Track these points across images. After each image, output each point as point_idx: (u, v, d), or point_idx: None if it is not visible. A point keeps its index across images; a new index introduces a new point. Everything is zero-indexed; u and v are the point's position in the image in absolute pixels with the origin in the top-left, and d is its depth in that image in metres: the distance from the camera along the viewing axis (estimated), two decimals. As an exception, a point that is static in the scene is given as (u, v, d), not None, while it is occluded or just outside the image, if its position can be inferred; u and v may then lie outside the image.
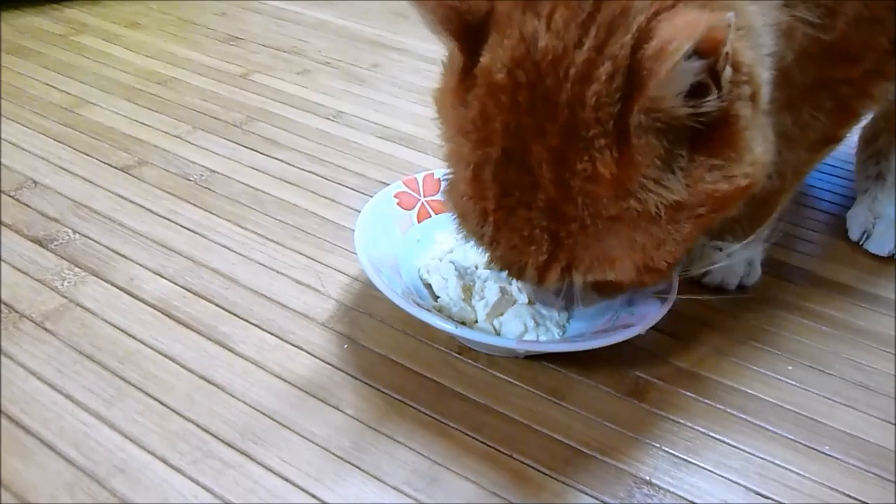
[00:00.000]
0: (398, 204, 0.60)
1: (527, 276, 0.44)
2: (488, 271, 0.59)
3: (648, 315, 0.51)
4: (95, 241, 0.62)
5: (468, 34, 0.41)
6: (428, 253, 0.60)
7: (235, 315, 0.56)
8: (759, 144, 0.42)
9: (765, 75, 0.43)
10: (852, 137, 0.76)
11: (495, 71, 0.40)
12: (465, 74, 0.42)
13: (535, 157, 0.40)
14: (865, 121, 0.75)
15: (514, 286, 0.56)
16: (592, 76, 0.38)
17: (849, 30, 0.50)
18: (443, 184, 0.47)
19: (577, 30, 0.38)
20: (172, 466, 0.44)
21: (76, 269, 0.59)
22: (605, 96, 0.38)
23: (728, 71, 0.39)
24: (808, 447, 0.49)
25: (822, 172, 0.85)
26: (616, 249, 0.42)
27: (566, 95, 0.39)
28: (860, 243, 0.72)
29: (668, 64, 0.35)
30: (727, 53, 0.37)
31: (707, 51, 0.36)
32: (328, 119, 0.87)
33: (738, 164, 0.41)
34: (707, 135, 0.40)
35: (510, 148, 0.41)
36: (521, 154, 0.40)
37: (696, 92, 0.38)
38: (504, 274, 0.46)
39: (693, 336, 0.58)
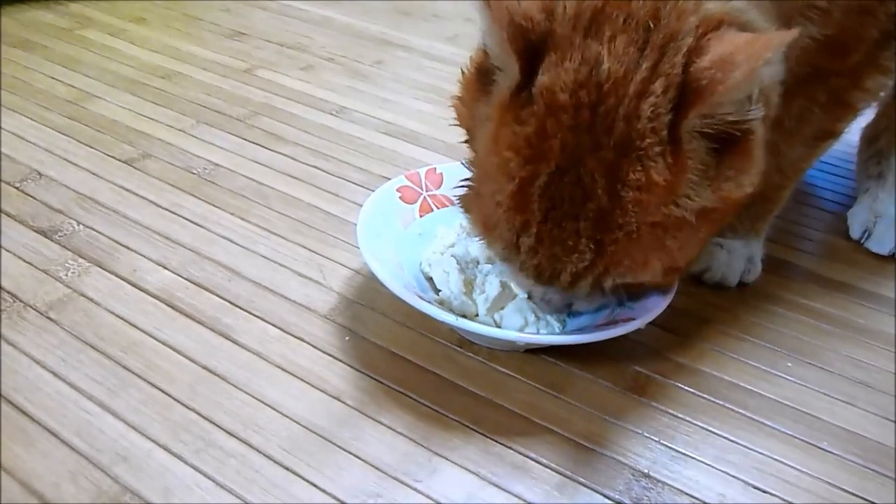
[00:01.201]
0: (400, 198, 0.61)
1: (559, 282, 0.46)
2: (489, 265, 0.59)
3: (649, 310, 0.51)
4: (99, 232, 0.63)
5: (528, 53, 0.43)
6: (429, 247, 0.60)
7: (238, 307, 0.56)
8: (764, 160, 0.47)
9: (775, 100, 0.47)
10: (853, 136, 0.76)
11: (558, 91, 0.42)
12: (519, 91, 0.44)
13: (589, 170, 0.42)
14: (867, 120, 0.75)
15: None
16: (648, 91, 0.41)
17: (840, 21, 0.51)
18: (461, 190, 0.49)
19: (636, 53, 0.41)
20: (175, 455, 0.44)
21: (80, 260, 0.59)
22: (661, 107, 0.41)
23: (756, 90, 0.42)
24: (807, 443, 0.50)
25: (824, 171, 0.85)
26: (649, 253, 0.45)
27: (624, 111, 0.41)
28: (861, 242, 0.72)
29: (739, 72, 0.39)
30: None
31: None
32: (332, 115, 0.88)
33: (748, 175, 0.45)
34: (727, 148, 0.44)
35: (564, 165, 0.43)
36: (574, 169, 0.42)
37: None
38: (524, 280, 0.48)
39: (693, 332, 0.58)
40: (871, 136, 0.78)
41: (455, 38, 1.16)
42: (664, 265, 0.46)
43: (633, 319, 0.51)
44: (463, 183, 0.50)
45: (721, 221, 0.47)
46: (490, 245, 0.49)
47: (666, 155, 0.41)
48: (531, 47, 0.43)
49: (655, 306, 0.52)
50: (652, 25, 0.41)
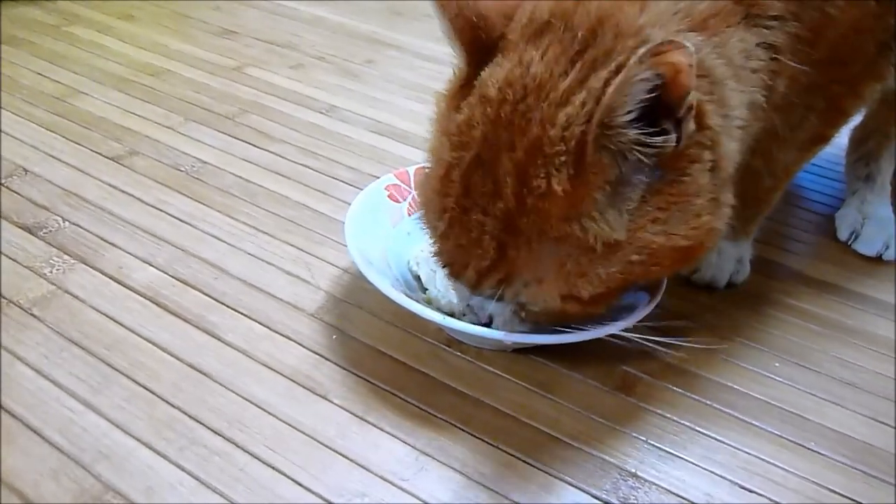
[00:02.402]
0: (389, 197, 0.60)
1: (465, 278, 0.47)
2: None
3: (637, 309, 0.51)
4: (85, 229, 0.62)
5: (478, 49, 0.45)
6: (417, 245, 0.59)
7: (224, 304, 0.55)
8: (708, 212, 0.45)
9: (731, 147, 0.46)
10: (842, 139, 0.77)
11: (490, 85, 0.44)
12: (465, 83, 0.46)
13: (503, 168, 0.43)
14: (855, 122, 0.76)
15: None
16: (568, 101, 0.42)
17: (836, 43, 0.51)
18: (419, 174, 0.51)
19: (566, 63, 0.42)
20: (158, 453, 0.43)
21: (65, 257, 0.58)
22: (575, 119, 0.41)
23: (691, 126, 0.42)
24: (795, 443, 0.50)
25: (812, 173, 0.86)
26: (547, 270, 0.44)
27: (540, 114, 0.42)
28: (849, 243, 0.73)
29: (621, 78, 0.39)
30: (691, 105, 0.40)
31: (670, 86, 0.39)
32: (321, 113, 0.87)
33: (679, 224, 0.44)
34: (659, 188, 0.43)
35: (482, 155, 0.44)
36: (491, 163, 0.43)
37: (655, 129, 0.41)
38: (444, 271, 0.48)
39: (682, 332, 0.58)
40: (859, 139, 0.78)
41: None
42: (561, 290, 0.45)
43: (621, 319, 0.50)
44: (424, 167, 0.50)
45: (641, 270, 0.44)
46: (423, 226, 0.49)
47: (569, 165, 0.41)
48: (481, 44, 0.45)
49: (643, 305, 0.51)
50: (590, 42, 0.42)
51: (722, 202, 0.46)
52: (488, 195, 0.43)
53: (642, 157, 0.41)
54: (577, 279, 0.44)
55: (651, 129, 0.41)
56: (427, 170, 0.48)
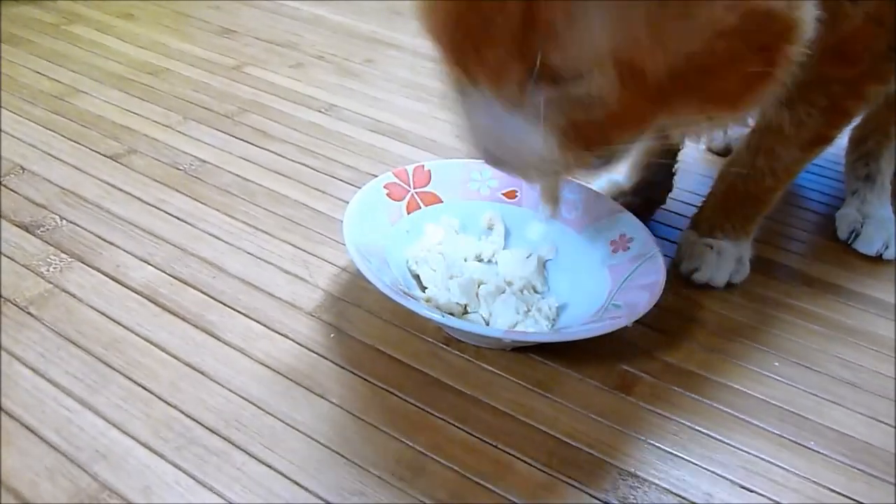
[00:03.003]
0: (388, 195, 0.60)
1: (486, 62, 0.37)
2: (477, 264, 0.59)
3: (636, 307, 0.51)
4: (83, 227, 0.62)
5: None
6: (417, 244, 0.59)
7: (222, 303, 0.55)
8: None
9: None
10: (842, 139, 0.76)
11: None
12: None
13: None
14: (855, 122, 0.76)
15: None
16: None
17: (849, 33, 0.50)
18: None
19: None
20: (155, 452, 0.43)
21: (62, 255, 0.58)
22: None
23: None
24: (795, 442, 0.49)
25: (812, 173, 0.85)
26: (600, 29, 0.34)
27: None
28: (848, 243, 0.72)
29: None
30: None
31: None
32: (321, 112, 0.87)
33: None
34: None
35: None
36: None
37: None
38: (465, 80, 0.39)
39: (681, 331, 0.58)
40: (859, 139, 0.78)
41: (446, 37, 1.15)
42: (619, 50, 0.35)
43: (620, 317, 0.50)
44: None
45: (721, 65, 0.36)
46: (435, 44, 0.39)
47: None
48: None
49: (643, 303, 0.51)
50: None
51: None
52: None
53: None
54: (646, 37, 0.34)
55: None
56: None
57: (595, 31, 0.34)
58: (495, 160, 0.42)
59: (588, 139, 0.39)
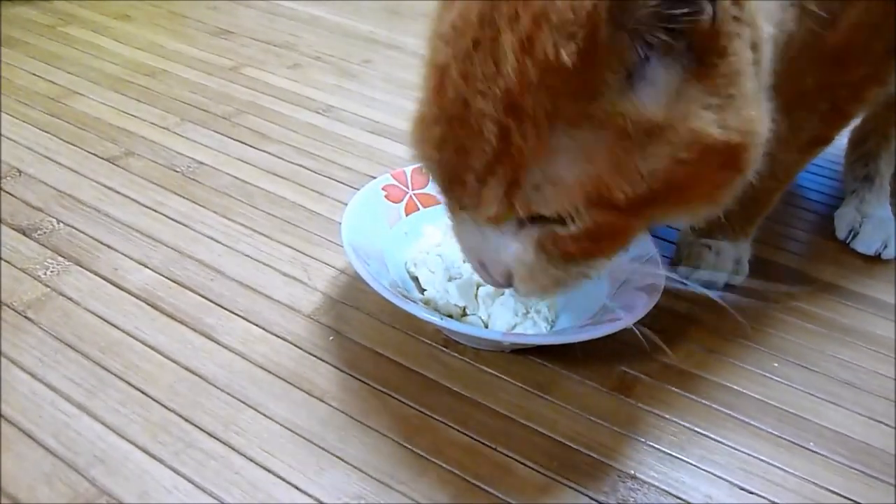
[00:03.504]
0: (386, 197, 0.60)
1: (466, 192, 0.40)
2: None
3: (635, 308, 0.51)
4: (80, 230, 0.62)
5: None
6: (415, 246, 0.59)
7: (220, 306, 0.55)
8: (757, 105, 0.40)
9: (767, 30, 0.41)
10: (841, 139, 0.76)
11: None
12: None
13: (504, 44, 0.37)
14: (855, 122, 0.76)
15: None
16: None
17: (849, 33, 0.50)
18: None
19: None
20: (153, 457, 0.43)
21: (59, 259, 0.58)
22: None
23: (727, 1, 0.36)
24: (793, 443, 0.49)
25: (811, 173, 0.85)
26: (567, 168, 0.38)
27: None
28: (847, 242, 0.73)
29: None
30: None
31: None
32: (318, 113, 0.87)
33: (734, 112, 0.38)
34: (703, 72, 0.37)
35: (481, 38, 0.38)
36: (491, 41, 0.37)
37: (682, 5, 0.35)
38: (442, 197, 0.43)
39: (680, 332, 0.58)
40: (858, 139, 0.78)
41: (443, 37, 1.15)
42: (587, 189, 0.38)
43: (619, 319, 0.50)
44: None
45: (686, 180, 0.38)
46: (417, 157, 0.44)
47: (579, 36, 0.35)
48: None
49: (642, 304, 0.51)
50: None
51: (764, 105, 0.41)
52: (489, 77, 0.37)
53: (669, 39, 0.36)
54: (612, 175, 0.37)
55: (678, 7, 0.35)
56: (421, 91, 0.43)
57: (568, 179, 0.38)
58: (486, 274, 0.45)
59: (572, 258, 0.42)
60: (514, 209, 0.39)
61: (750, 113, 0.39)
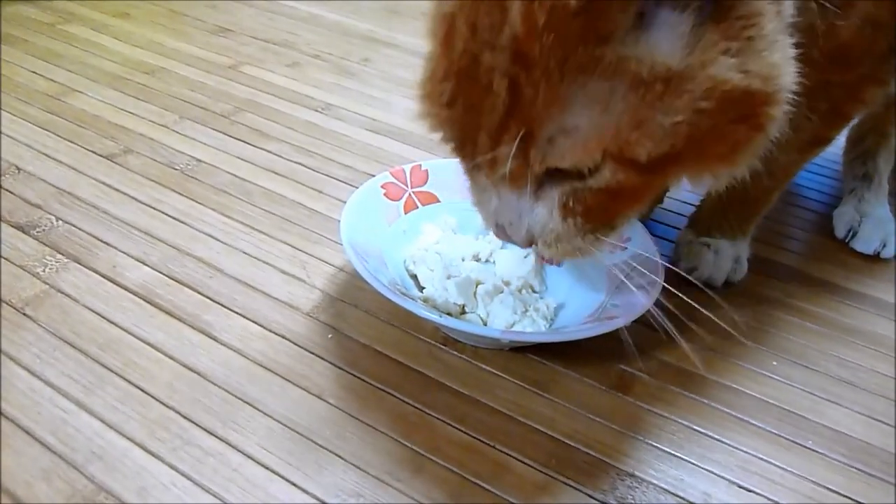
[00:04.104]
0: (385, 195, 0.60)
1: (479, 149, 0.39)
2: (474, 264, 0.59)
3: (634, 306, 0.51)
4: (78, 228, 0.61)
5: None
6: (414, 244, 0.59)
7: (219, 304, 0.55)
8: (779, 50, 0.38)
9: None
10: (840, 138, 0.76)
11: None
12: None
13: None
14: (853, 122, 0.76)
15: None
16: None
17: (853, 31, 0.50)
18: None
19: None
20: (151, 453, 0.43)
21: (58, 256, 0.58)
22: None
23: None
24: (792, 442, 0.49)
25: (810, 172, 0.85)
26: (582, 118, 0.36)
27: None
28: (846, 241, 0.72)
29: None
30: None
31: None
32: (317, 111, 0.87)
33: (755, 56, 0.36)
34: (723, 11, 0.36)
35: None
36: None
37: None
38: (456, 155, 0.42)
39: (679, 331, 0.58)
40: (856, 138, 0.78)
41: (443, 36, 1.15)
42: (606, 143, 0.36)
43: (618, 317, 0.50)
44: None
45: (711, 131, 0.37)
46: (425, 116, 0.42)
47: None
48: None
49: (641, 303, 0.51)
50: None
51: (787, 51, 0.38)
52: (495, 25, 0.36)
53: None
54: (631, 130, 0.36)
55: None
56: (429, 43, 0.41)
57: (585, 131, 0.36)
58: (506, 237, 0.45)
59: (592, 219, 0.41)
60: (529, 165, 0.38)
61: (772, 57, 0.37)
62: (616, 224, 0.43)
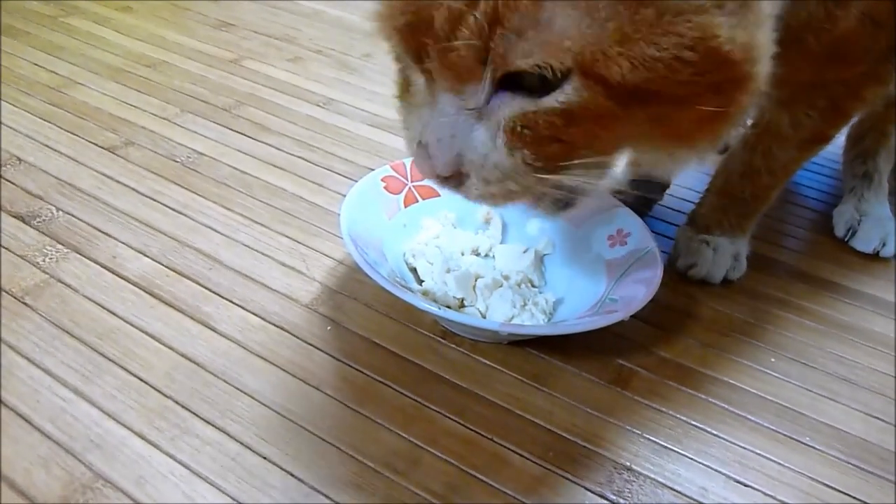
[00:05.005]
0: (385, 188, 0.60)
1: (434, 35, 0.35)
2: (474, 258, 0.59)
3: (632, 301, 0.51)
4: (79, 218, 0.62)
5: None
6: (414, 238, 0.59)
7: (218, 295, 0.55)
8: (764, 31, 0.37)
9: None
10: (840, 137, 0.76)
11: None
12: None
13: None
14: (853, 120, 0.76)
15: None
16: None
17: (852, 28, 0.50)
18: None
19: None
20: (150, 442, 0.43)
21: (58, 246, 0.58)
22: None
23: None
24: (790, 438, 0.49)
25: (810, 171, 0.86)
26: (562, 12, 0.33)
27: None
28: (845, 240, 0.73)
29: None
30: None
31: None
32: (318, 106, 0.87)
33: (745, 25, 0.35)
34: None
35: None
36: None
37: None
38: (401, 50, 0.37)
39: (677, 327, 0.58)
40: (856, 136, 0.78)
41: (445, 33, 1.15)
42: (580, 51, 0.33)
43: (617, 312, 0.50)
44: None
45: (682, 89, 0.35)
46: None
47: None
48: None
49: (639, 297, 0.51)
50: None
51: (769, 28, 0.37)
52: None
53: None
54: (612, 45, 0.33)
55: None
56: None
57: (559, 28, 0.33)
58: (426, 160, 0.39)
59: (541, 152, 0.38)
60: (488, 56, 0.34)
61: (757, 37, 0.36)
62: (563, 168, 0.38)
